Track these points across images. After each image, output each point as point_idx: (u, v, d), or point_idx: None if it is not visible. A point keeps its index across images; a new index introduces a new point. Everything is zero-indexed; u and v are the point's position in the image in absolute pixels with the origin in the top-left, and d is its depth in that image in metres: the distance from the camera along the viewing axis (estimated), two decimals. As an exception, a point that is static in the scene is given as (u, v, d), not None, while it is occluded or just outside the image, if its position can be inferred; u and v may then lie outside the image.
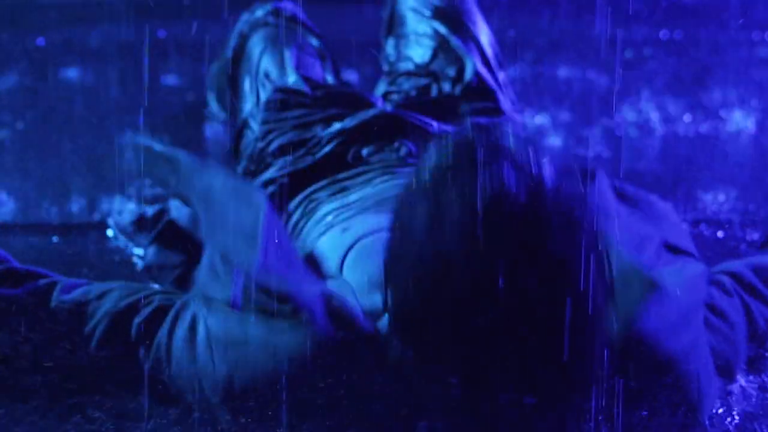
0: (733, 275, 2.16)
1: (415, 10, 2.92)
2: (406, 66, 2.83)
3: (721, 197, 3.23)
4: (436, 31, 2.84)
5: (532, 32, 4.58)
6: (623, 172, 3.37)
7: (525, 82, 4.11)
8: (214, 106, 3.49)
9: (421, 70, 2.78)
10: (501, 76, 2.75)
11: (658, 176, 3.45)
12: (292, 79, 2.72)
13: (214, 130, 3.54)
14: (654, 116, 3.93)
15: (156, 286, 2.27)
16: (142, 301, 1.97)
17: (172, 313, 1.94)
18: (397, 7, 2.99)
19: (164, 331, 1.93)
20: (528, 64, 4.30)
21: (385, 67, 2.99)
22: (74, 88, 4.08)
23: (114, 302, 1.96)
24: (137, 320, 1.93)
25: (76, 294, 1.99)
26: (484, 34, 2.81)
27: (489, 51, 2.77)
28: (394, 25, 2.98)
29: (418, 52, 2.83)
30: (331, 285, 1.95)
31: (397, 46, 2.94)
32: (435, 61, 2.78)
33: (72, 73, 4.16)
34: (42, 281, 2.00)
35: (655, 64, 4.42)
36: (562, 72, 4.31)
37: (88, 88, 4.08)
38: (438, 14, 2.87)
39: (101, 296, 1.98)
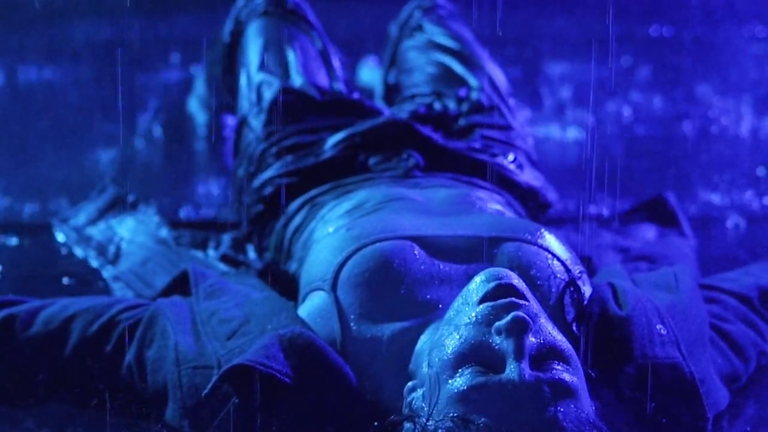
0: (743, 298, 2.16)
1: (416, 48, 2.90)
2: (410, 91, 2.80)
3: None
4: (439, 63, 2.81)
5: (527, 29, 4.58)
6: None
7: (519, 78, 4.09)
8: (205, 93, 3.45)
9: (425, 91, 2.75)
10: (511, 101, 2.72)
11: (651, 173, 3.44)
12: (298, 81, 2.66)
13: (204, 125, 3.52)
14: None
15: (116, 298, 2.25)
16: (110, 325, 1.97)
17: (139, 333, 1.94)
18: (398, 49, 2.97)
19: (132, 353, 1.94)
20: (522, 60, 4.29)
21: (385, 95, 2.98)
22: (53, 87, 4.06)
23: (81, 331, 1.97)
24: (108, 348, 1.95)
25: (38, 326, 1.99)
26: (493, 69, 2.77)
27: (498, 81, 2.73)
28: (396, 62, 2.96)
29: (423, 80, 2.80)
30: (313, 309, 1.93)
31: (399, 78, 2.92)
32: (440, 84, 2.75)
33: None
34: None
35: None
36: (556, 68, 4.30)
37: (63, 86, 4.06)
38: (441, 49, 2.83)
39: (66, 325, 1.98)
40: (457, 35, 2.86)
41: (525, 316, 1.65)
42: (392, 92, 2.92)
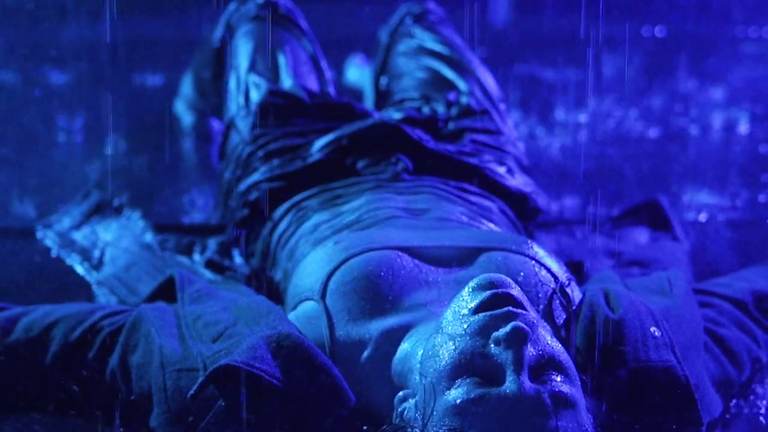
0: (738, 303, 2.14)
1: (406, 54, 2.87)
2: (399, 96, 2.77)
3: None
4: (429, 67, 2.78)
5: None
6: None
7: (509, 80, 4.08)
8: (191, 95, 3.43)
9: (414, 96, 2.72)
10: (502, 106, 2.69)
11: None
12: (288, 83, 2.65)
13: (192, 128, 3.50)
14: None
15: (99, 305, 2.23)
16: (92, 332, 1.95)
17: (122, 338, 1.92)
18: (389, 55, 2.94)
19: (116, 359, 1.91)
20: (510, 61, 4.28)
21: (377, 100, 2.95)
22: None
23: (62, 338, 1.95)
24: (90, 354, 1.93)
25: (18, 333, 1.97)
26: (484, 74, 2.75)
27: (488, 86, 2.71)
28: (386, 68, 2.94)
29: (412, 84, 2.78)
30: (301, 315, 1.92)
31: (389, 84, 2.89)
32: (429, 89, 2.72)
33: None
34: None
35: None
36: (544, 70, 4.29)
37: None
38: (431, 54, 2.81)
39: (47, 331, 1.96)
40: (447, 40, 2.85)
41: (524, 326, 1.62)
42: (383, 98, 2.90)
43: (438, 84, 2.73)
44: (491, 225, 2.24)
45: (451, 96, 2.65)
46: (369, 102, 3.03)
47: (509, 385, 1.59)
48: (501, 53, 4.32)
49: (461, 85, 2.68)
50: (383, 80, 2.93)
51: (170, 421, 1.80)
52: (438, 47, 2.82)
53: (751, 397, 2.05)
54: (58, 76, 4.12)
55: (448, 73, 2.73)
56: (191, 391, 1.75)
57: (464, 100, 2.62)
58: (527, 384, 1.59)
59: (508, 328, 1.62)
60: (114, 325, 1.95)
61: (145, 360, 1.87)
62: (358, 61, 3.79)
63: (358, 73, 3.73)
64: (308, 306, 1.93)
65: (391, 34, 2.97)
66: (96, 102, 3.67)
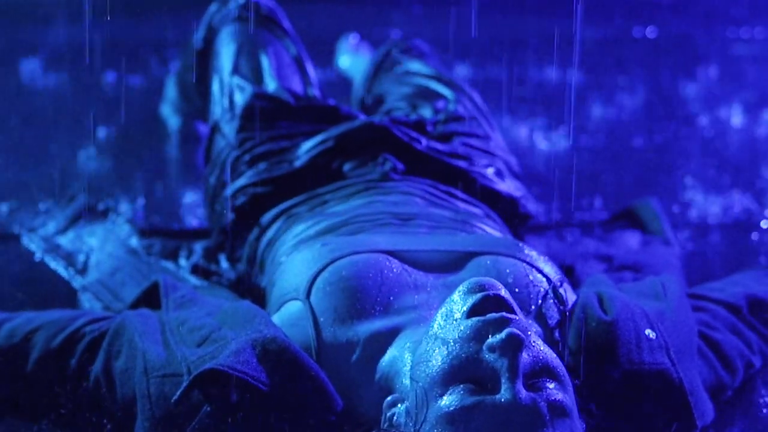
0: (732, 308, 2.12)
1: (392, 79, 2.87)
2: (386, 107, 2.75)
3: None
4: (416, 84, 2.77)
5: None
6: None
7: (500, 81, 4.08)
8: (176, 98, 3.41)
9: (401, 105, 2.71)
10: (492, 120, 2.68)
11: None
12: (272, 86, 2.62)
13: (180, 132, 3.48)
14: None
15: (82, 311, 2.21)
16: (74, 338, 1.93)
17: (105, 344, 1.90)
18: (374, 80, 2.94)
19: (99, 365, 1.89)
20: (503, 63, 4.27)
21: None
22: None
23: (44, 344, 1.94)
24: (73, 361, 1.91)
25: (0, 339, 1.96)
26: (471, 91, 2.73)
27: (477, 100, 2.69)
28: (371, 91, 2.93)
29: (399, 98, 2.77)
30: (286, 317, 1.90)
31: (376, 98, 2.89)
32: (416, 99, 2.71)
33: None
34: None
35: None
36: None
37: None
38: (418, 75, 2.80)
39: (28, 338, 1.95)
40: (433, 65, 2.86)
41: (519, 333, 1.60)
42: (369, 113, 2.88)
43: (425, 95, 2.72)
44: (481, 228, 2.23)
45: (439, 104, 2.64)
46: (357, 93, 3.03)
47: (504, 393, 1.57)
48: (488, 56, 4.31)
49: (448, 94, 2.67)
50: (368, 99, 2.92)
51: (154, 429, 1.77)
52: (425, 69, 2.82)
53: (745, 402, 2.05)
54: (44, 78, 4.11)
55: (436, 86, 2.72)
56: (175, 396, 1.73)
57: (452, 107, 2.62)
58: (523, 392, 1.57)
59: (503, 335, 1.60)
60: (96, 331, 1.93)
61: (129, 366, 1.85)
62: (352, 42, 3.75)
63: (350, 60, 3.69)
64: (293, 306, 1.91)
65: (377, 66, 2.97)
66: (81, 104, 3.65)
